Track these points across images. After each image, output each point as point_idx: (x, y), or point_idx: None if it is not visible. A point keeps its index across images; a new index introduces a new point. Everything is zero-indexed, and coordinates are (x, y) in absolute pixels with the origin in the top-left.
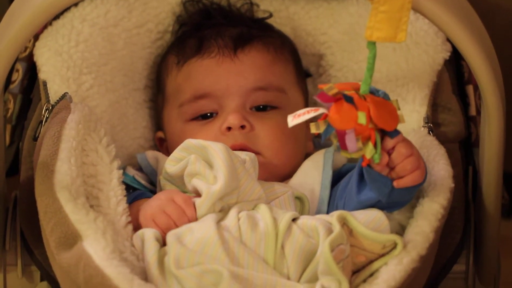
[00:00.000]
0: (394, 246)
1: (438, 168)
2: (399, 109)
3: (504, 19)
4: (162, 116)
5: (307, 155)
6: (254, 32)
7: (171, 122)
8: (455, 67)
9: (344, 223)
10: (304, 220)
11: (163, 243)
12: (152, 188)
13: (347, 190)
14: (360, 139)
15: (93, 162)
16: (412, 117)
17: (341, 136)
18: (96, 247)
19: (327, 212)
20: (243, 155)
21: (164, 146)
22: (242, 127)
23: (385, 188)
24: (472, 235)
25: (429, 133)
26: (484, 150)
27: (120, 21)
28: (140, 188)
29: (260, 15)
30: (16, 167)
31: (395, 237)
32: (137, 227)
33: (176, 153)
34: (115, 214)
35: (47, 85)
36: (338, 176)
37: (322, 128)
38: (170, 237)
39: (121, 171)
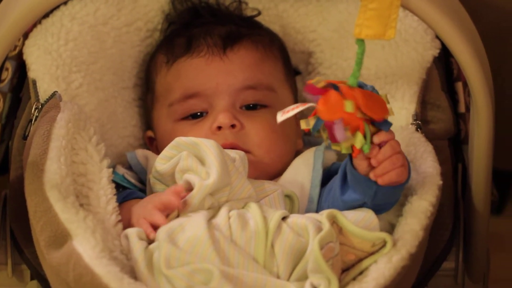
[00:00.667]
0: (384, 244)
1: (426, 165)
2: (388, 102)
3: (493, 16)
4: (151, 115)
5: (297, 153)
6: (243, 31)
7: (161, 122)
8: (444, 64)
9: (333, 221)
10: (294, 218)
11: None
12: (142, 187)
13: (331, 192)
14: (348, 129)
15: (82, 161)
16: (401, 114)
17: (330, 127)
18: (85, 246)
19: (317, 211)
20: (232, 153)
21: (154, 145)
22: (232, 126)
23: (369, 189)
24: (461, 232)
25: (417, 130)
26: (473, 147)
27: (109, 20)
28: (130, 186)
29: (248, 13)
30: (6, 166)
31: (384, 235)
32: (127, 226)
33: (166, 151)
34: (105, 213)
35: (37, 84)
36: (328, 175)
37: (311, 124)
38: (161, 234)
39: (111, 169)
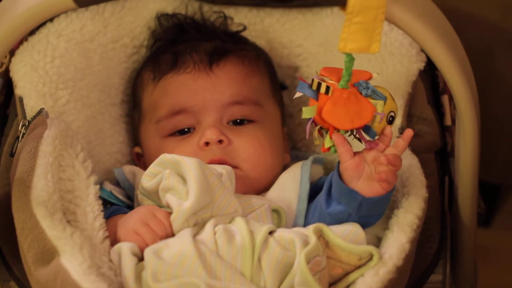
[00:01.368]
0: (371, 257)
1: (412, 178)
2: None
3: (477, 29)
4: (139, 131)
5: (284, 167)
6: (228, 46)
7: (148, 138)
8: (430, 77)
9: (320, 235)
10: (281, 233)
11: (141, 257)
12: (130, 203)
13: (318, 206)
14: (317, 130)
15: (70, 177)
16: None
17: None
18: (73, 263)
19: (305, 225)
20: (219, 168)
21: (142, 161)
22: (220, 141)
23: (354, 201)
24: (448, 245)
25: None
26: (459, 160)
27: (95, 36)
28: (118, 203)
29: (234, 28)
30: None
31: (371, 249)
32: (114, 242)
33: (151, 168)
34: (92, 230)
35: (24, 101)
36: (315, 189)
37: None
38: (148, 252)
39: (98, 186)
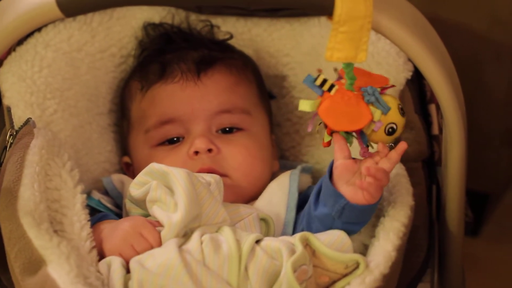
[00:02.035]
0: (357, 265)
1: (398, 186)
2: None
3: (464, 39)
4: (128, 141)
5: (273, 175)
6: (215, 55)
7: (137, 148)
8: (417, 86)
9: (307, 243)
10: (268, 241)
11: (128, 270)
12: (118, 211)
13: (307, 211)
14: (318, 124)
15: (56, 187)
16: None
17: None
18: (60, 272)
19: (292, 234)
20: (208, 177)
21: (131, 170)
22: (209, 150)
23: (337, 204)
24: (436, 254)
25: None
26: (446, 169)
27: (83, 46)
28: (106, 211)
29: (220, 36)
30: None
31: (357, 257)
32: (100, 250)
33: (140, 177)
34: (79, 239)
35: (11, 111)
36: (303, 198)
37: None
38: (133, 263)
39: (85, 195)
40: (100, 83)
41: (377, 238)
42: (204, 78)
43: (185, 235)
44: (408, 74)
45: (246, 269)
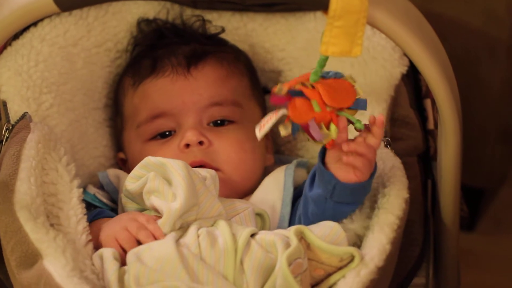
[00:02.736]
0: (352, 258)
1: (393, 179)
2: (354, 82)
3: (460, 36)
4: (122, 137)
5: (268, 170)
6: (207, 48)
7: (131, 143)
8: (413, 81)
9: (301, 237)
10: (263, 235)
11: (122, 262)
12: (114, 206)
13: (303, 194)
14: (323, 125)
15: (53, 181)
16: None
17: (306, 129)
18: (56, 266)
19: None
20: (203, 172)
21: (126, 166)
22: (200, 143)
23: (328, 184)
24: (431, 248)
25: (387, 147)
26: (441, 163)
27: (79, 41)
28: (102, 206)
29: (213, 30)
30: None
31: (352, 250)
32: (97, 246)
33: (136, 171)
34: (75, 233)
35: (7, 105)
36: (299, 193)
37: (289, 128)
38: (130, 256)
39: (81, 189)
40: (96, 78)
41: (371, 231)
42: (194, 71)
43: (181, 228)
44: (404, 69)
45: (241, 262)
